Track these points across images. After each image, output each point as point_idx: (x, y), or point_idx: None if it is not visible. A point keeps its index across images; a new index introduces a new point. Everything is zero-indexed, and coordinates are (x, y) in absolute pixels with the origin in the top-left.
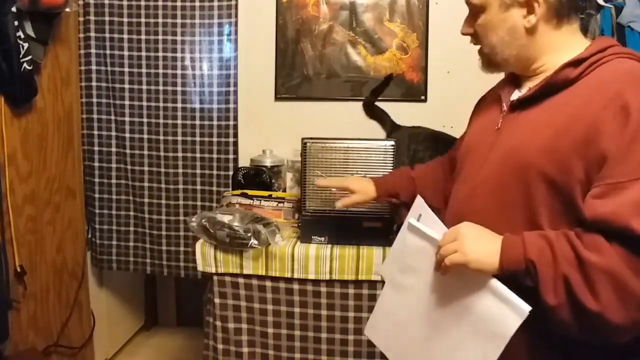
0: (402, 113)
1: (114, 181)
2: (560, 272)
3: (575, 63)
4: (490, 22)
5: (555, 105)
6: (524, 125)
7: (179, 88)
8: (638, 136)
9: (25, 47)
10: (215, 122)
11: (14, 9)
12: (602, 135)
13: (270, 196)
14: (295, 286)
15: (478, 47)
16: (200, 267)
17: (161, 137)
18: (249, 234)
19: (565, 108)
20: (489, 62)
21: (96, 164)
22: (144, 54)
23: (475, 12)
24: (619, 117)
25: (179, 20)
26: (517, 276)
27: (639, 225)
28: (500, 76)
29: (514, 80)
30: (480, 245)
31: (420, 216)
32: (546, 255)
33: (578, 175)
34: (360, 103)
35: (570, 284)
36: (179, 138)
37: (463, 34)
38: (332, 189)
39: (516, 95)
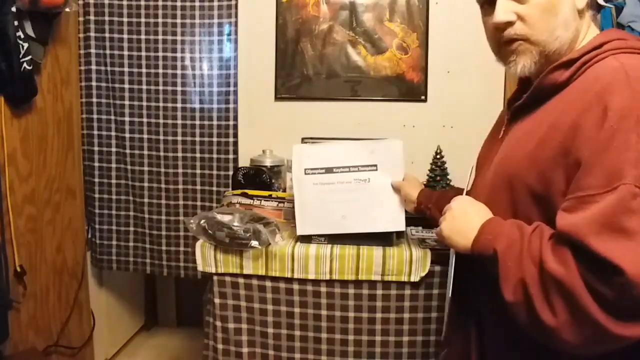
0: (402, 113)
1: (113, 181)
2: (520, 274)
3: (565, 65)
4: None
5: (543, 113)
6: (514, 135)
7: (179, 88)
8: (611, 143)
9: (25, 47)
10: (215, 122)
11: (14, 9)
12: (578, 141)
13: (270, 196)
14: (295, 286)
15: (516, 39)
16: (200, 267)
17: (161, 137)
18: (249, 234)
19: (549, 115)
20: (541, 54)
21: (96, 164)
22: (143, 54)
23: None
24: (597, 121)
25: (179, 20)
26: (486, 261)
27: (597, 242)
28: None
29: (524, 84)
30: (459, 225)
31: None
32: (513, 251)
33: (559, 186)
34: (360, 103)
35: (527, 289)
36: (179, 138)
37: (502, 22)
38: None
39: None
